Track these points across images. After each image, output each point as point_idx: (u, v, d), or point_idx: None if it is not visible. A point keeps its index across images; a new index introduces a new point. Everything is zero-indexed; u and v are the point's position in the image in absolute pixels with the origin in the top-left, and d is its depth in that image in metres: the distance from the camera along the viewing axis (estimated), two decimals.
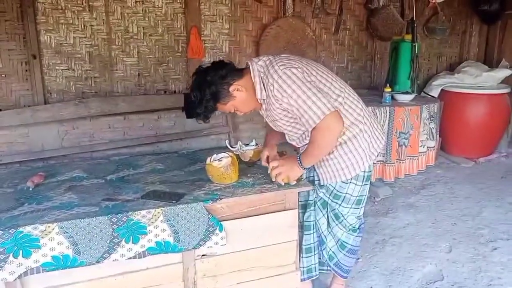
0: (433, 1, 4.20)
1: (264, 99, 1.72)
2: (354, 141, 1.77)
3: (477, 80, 4.41)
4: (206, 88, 1.66)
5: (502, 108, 4.25)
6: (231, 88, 1.68)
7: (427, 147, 3.49)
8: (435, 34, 4.70)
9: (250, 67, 1.72)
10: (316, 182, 1.94)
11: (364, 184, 1.87)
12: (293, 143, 1.89)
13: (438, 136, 3.69)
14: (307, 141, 1.76)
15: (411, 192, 3.56)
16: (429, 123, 3.46)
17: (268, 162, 1.84)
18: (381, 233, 2.87)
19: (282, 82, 1.60)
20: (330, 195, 1.90)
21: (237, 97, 1.70)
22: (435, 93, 4.37)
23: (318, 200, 1.96)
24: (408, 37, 3.82)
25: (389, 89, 3.47)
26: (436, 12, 4.57)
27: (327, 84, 1.71)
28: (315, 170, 1.91)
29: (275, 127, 1.87)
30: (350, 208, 1.90)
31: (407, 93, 3.64)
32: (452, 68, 4.94)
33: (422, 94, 4.38)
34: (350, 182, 1.84)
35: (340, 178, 1.82)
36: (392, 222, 3.02)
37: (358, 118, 1.77)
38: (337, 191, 1.87)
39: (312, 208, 1.97)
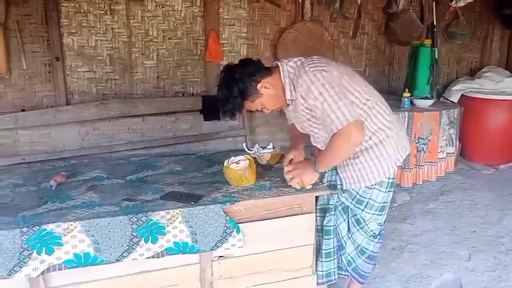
0: (454, 5, 4.15)
1: (293, 99, 1.71)
2: (381, 146, 1.75)
3: (498, 86, 4.33)
4: (234, 85, 1.65)
5: None
6: (259, 86, 1.68)
7: (447, 153, 3.44)
8: (455, 38, 4.63)
9: (280, 68, 1.71)
10: (338, 187, 1.91)
11: (388, 191, 1.85)
12: (318, 145, 1.86)
13: (458, 142, 3.64)
14: None
15: (430, 198, 3.50)
16: (448, 128, 3.41)
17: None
18: (399, 239, 2.83)
19: (311, 83, 1.60)
20: (352, 200, 1.88)
21: (265, 94, 1.69)
22: (455, 98, 4.30)
23: (340, 205, 1.94)
24: (428, 41, 3.78)
25: (408, 94, 3.43)
26: (457, 16, 4.50)
27: (357, 88, 1.69)
28: (337, 174, 1.88)
29: (302, 129, 1.85)
30: (373, 214, 1.87)
31: (426, 98, 3.59)
32: (472, 73, 4.85)
33: (442, 99, 4.32)
34: (374, 188, 1.82)
35: (364, 183, 1.80)
36: (410, 229, 2.98)
37: (385, 123, 1.75)
38: (360, 196, 1.85)
39: (332, 212, 1.94)
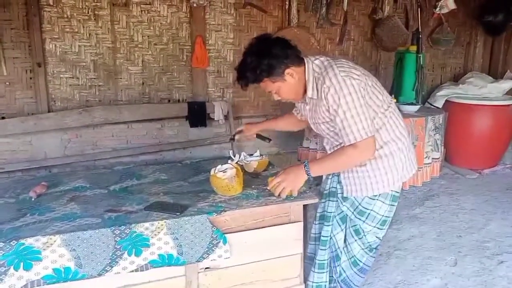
0: (438, 12, 4.21)
1: (313, 98, 1.68)
2: (390, 158, 1.71)
3: (481, 91, 4.40)
4: (267, 58, 1.60)
5: (506, 120, 4.23)
6: (286, 71, 1.64)
7: (432, 158, 3.46)
8: (439, 45, 4.70)
9: (306, 65, 1.68)
10: (339, 195, 1.84)
11: (391, 204, 1.79)
12: (327, 147, 1.84)
13: (442, 147, 3.67)
14: None
15: (416, 203, 3.52)
16: (434, 134, 3.43)
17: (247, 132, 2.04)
18: (386, 245, 2.83)
19: (339, 89, 1.56)
20: (354, 210, 1.81)
21: (287, 81, 1.65)
22: (439, 104, 4.36)
23: (338, 215, 1.86)
24: (413, 48, 3.82)
25: (394, 100, 3.45)
26: (441, 23, 4.57)
27: (379, 96, 1.68)
28: (338, 182, 1.83)
29: (316, 130, 1.81)
30: (374, 227, 1.80)
31: (412, 104, 3.62)
32: (456, 79, 4.93)
33: (426, 104, 4.37)
34: (378, 199, 1.76)
35: (366, 192, 1.75)
36: (397, 234, 2.99)
37: (398, 135, 1.72)
38: (363, 207, 1.78)
39: (330, 222, 1.88)
